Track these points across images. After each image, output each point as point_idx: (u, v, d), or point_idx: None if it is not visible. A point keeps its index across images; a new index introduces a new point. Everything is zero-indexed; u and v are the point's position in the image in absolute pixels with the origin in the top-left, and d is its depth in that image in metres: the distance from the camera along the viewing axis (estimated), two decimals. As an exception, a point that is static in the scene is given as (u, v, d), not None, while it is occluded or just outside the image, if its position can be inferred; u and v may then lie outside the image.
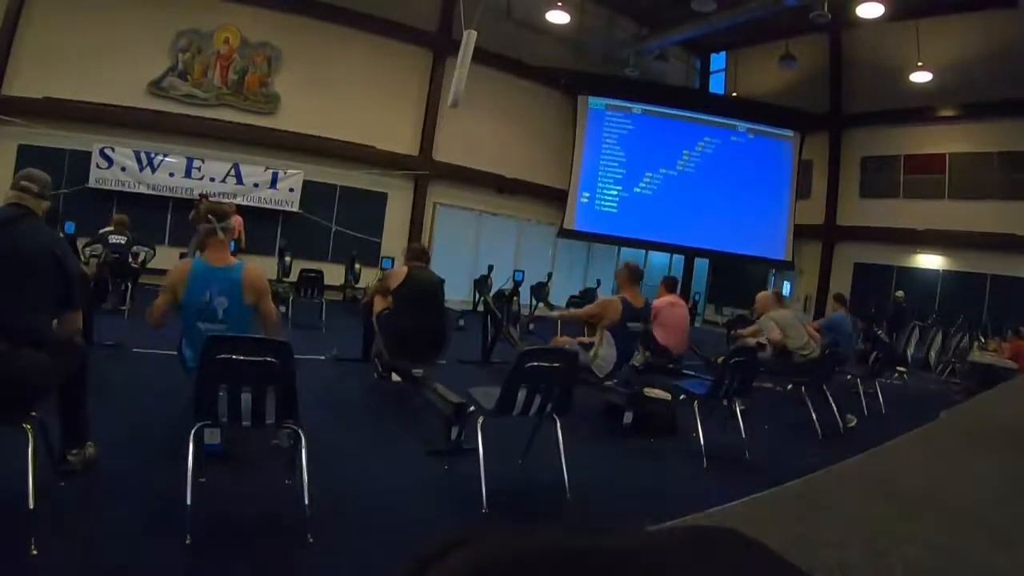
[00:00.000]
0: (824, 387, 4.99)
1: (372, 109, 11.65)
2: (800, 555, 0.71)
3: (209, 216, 2.94)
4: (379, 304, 4.50)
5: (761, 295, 6.11)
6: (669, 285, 5.92)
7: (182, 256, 7.89)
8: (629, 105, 13.69)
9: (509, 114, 12.95)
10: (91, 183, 9.69)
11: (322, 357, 5.71)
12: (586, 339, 4.74)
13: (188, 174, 10.31)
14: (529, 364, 2.80)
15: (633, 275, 4.48)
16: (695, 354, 6.76)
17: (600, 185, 13.66)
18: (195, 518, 2.16)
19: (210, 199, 8.62)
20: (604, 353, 4.31)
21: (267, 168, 10.83)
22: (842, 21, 11.41)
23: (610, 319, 4.29)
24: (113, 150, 9.87)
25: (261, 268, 3.14)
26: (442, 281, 4.63)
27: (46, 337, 2.33)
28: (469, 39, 7.36)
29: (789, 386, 5.26)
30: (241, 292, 2.88)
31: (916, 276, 12.77)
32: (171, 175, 10.22)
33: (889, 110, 12.65)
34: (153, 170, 10.09)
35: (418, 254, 4.67)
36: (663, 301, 5.60)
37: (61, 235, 6.93)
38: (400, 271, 4.45)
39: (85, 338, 4.32)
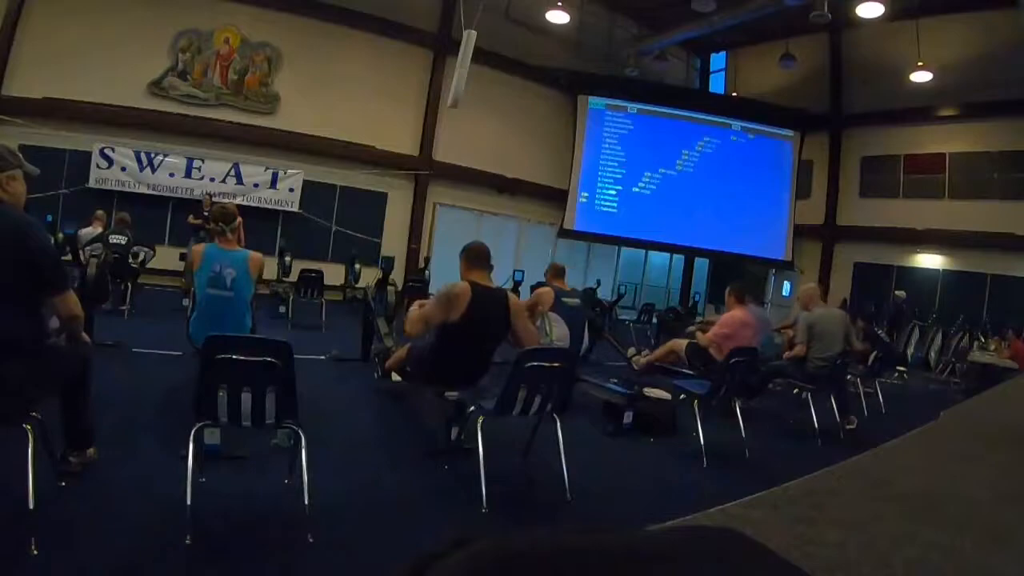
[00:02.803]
0: (831, 394, 4.89)
1: (372, 109, 11.66)
2: (800, 555, 0.71)
3: (219, 222, 3.45)
4: (416, 327, 3.29)
5: (805, 288, 5.47)
6: (739, 294, 5.01)
7: (182, 256, 7.91)
8: (629, 105, 13.69)
9: (509, 114, 12.95)
10: (91, 183, 9.70)
11: (322, 357, 5.70)
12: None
13: (188, 174, 10.31)
14: (529, 364, 2.80)
15: (556, 271, 5.27)
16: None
17: (600, 185, 13.66)
18: (195, 518, 2.16)
19: (214, 199, 8.68)
20: (558, 332, 4.65)
21: (267, 168, 10.83)
22: (842, 21, 11.40)
23: (548, 304, 4.81)
24: (113, 150, 9.87)
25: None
26: (509, 298, 3.37)
27: (24, 342, 2.09)
28: (469, 39, 7.37)
29: (795, 391, 5.18)
30: (247, 267, 3.42)
31: (916, 276, 12.76)
32: (171, 175, 10.22)
33: (889, 110, 12.65)
34: (153, 170, 10.09)
35: (482, 258, 3.33)
36: (735, 318, 4.89)
37: (61, 235, 6.97)
38: (462, 292, 3.14)
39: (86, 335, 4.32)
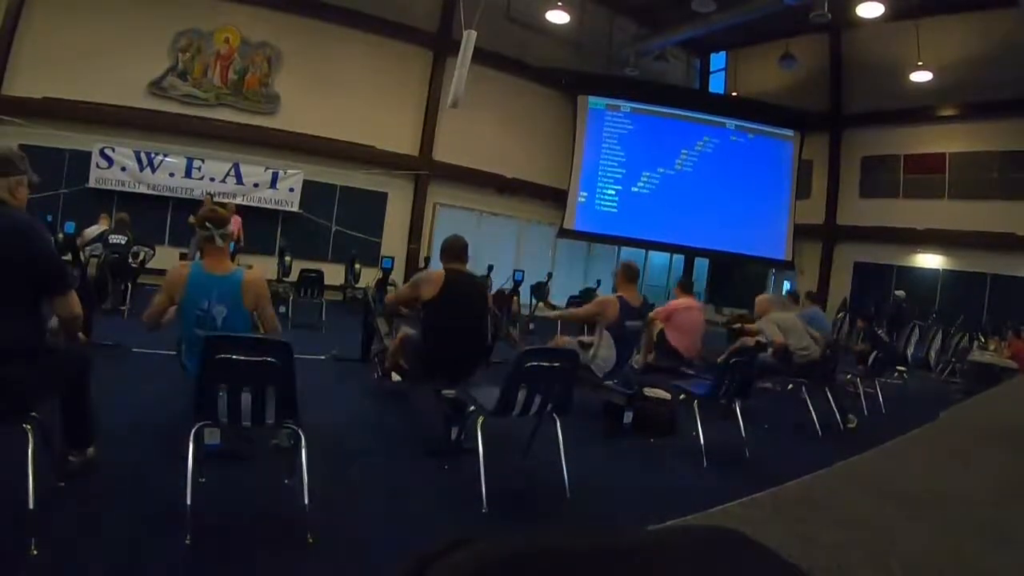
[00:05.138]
0: (824, 387, 5.02)
1: (372, 109, 11.66)
2: (800, 555, 0.71)
3: (206, 224, 2.88)
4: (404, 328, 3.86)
5: (760, 298, 5.98)
6: (685, 287, 5.81)
7: (182, 256, 7.91)
8: (629, 105, 13.69)
9: (509, 114, 12.96)
10: (91, 183, 9.69)
11: (322, 357, 5.70)
12: (586, 338, 4.73)
13: (188, 174, 10.31)
14: (529, 364, 2.80)
15: (629, 274, 4.52)
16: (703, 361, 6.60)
17: (600, 185, 13.66)
18: (195, 518, 2.16)
19: (215, 199, 8.68)
20: (603, 354, 4.31)
21: (267, 168, 10.83)
22: (842, 21, 11.41)
23: (608, 318, 4.26)
24: (113, 150, 9.87)
25: (261, 269, 3.15)
26: (486, 286, 4.07)
27: (24, 343, 2.10)
28: (469, 39, 7.36)
29: (790, 386, 5.26)
30: (241, 298, 2.85)
31: (916, 276, 12.77)
32: (171, 175, 10.22)
33: (889, 110, 12.66)
34: (153, 170, 10.09)
35: (457, 253, 3.71)
36: (679, 303, 5.46)
37: (61, 235, 6.95)
38: (435, 276, 3.60)
39: (85, 335, 4.32)
